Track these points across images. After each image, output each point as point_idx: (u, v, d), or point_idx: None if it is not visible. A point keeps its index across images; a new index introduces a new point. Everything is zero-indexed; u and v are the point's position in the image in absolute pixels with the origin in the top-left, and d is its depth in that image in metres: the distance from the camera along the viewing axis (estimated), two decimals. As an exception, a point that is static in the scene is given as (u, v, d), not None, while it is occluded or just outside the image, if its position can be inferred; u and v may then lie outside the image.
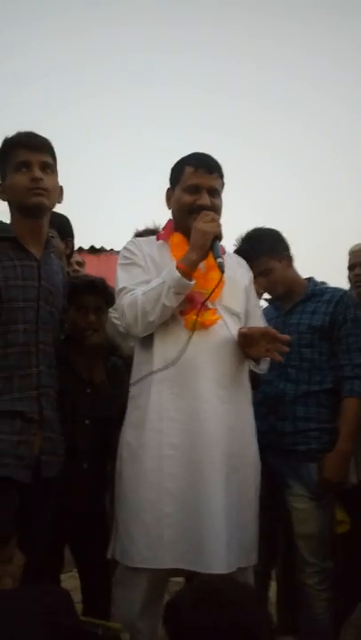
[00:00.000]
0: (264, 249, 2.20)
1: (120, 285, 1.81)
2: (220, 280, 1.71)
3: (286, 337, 1.74)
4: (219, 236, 1.73)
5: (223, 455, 1.69)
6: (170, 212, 1.93)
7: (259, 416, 2.00)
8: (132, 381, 1.83)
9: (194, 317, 1.73)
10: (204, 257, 1.72)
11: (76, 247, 2.62)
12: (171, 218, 1.94)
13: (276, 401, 2.14)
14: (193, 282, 1.71)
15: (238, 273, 1.92)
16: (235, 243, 2.27)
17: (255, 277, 2.07)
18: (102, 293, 2.07)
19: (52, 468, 1.70)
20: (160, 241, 1.91)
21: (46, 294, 1.74)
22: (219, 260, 1.69)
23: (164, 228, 1.96)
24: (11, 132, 1.76)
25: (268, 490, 2.01)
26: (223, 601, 1.13)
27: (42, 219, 1.76)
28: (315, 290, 2.27)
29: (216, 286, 1.73)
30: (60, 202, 1.82)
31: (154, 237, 1.94)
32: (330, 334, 2.14)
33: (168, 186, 1.92)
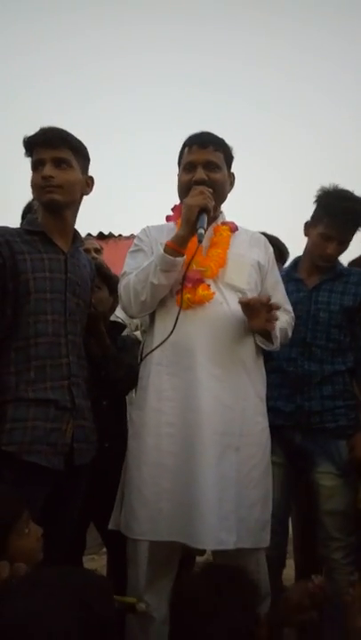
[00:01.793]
0: None
1: (123, 270, 1.86)
2: (197, 249, 1.70)
3: (277, 304, 1.74)
4: (206, 209, 1.71)
5: (215, 433, 1.70)
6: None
7: (282, 397, 2.04)
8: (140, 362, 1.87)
9: (187, 295, 1.74)
10: (191, 231, 1.71)
11: (84, 233, 2.63)
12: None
13: (302, 382, 2.11)
14: (180, 258, 1.70)
15: (250, 250, 1.90)
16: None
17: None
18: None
19: (84, 455, 1.75)
20: (171, 223, 1.93)
21: (73, 286, 1.78)
22: (199, 230, 1.67)
23: (173, 210, 1.96)
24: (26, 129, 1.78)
25: (290, 467, 2.05)
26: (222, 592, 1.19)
27: (63, 214, 1.78)
28: (342, 269, 2.24)
29: (193, 256, 1.71)
30: (87, 193, 1.83)
31: (166, 223, 1.95)
32: (355, 316, 2.15)
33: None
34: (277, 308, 1.74)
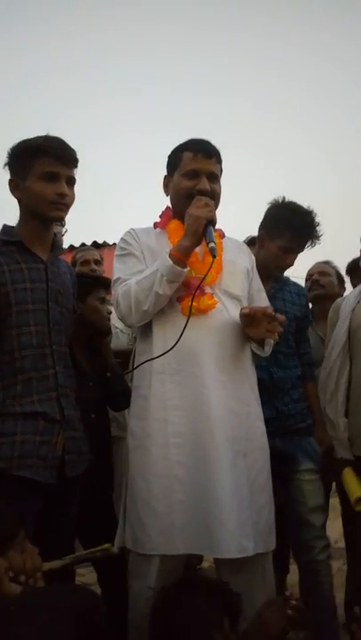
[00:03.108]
0: None
1: (115, 276, 1.82)
2: (212, 263, 1.70)
3: (282, 317, 1.75)
4: (212, 221, 1.72)
5: (226, 440, 1.70)
6: (168, 199, 1.93)
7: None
8: (132, 369, 1.85)
9: (189, 304, 1.72)
10: (197, 243, 1.72)
11: (78, 243, 2.63)
12: (168, 205, 1.94)
13: (276, 389, 2.21)
14: (186, 269, 1.70)
15: (239, 257, 1.92)
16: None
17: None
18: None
19: (76, 467, 1.72)
20: (158, 229, 1.91)
21: (55, 295, 1.75)
22: (210, 244, 1.68)
23: (161, 216, 1.95)
24: (36, 130, 1.74)
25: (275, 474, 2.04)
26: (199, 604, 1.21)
27: (50, 227, 1.79)
28: (283, 278, 2.40)
29: (208, 270, 1.71)
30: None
31: (152, 226, 1.93)
32: (300, 325, 2.35)
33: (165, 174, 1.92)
34: (282, 320, 1.74)
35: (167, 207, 1.94)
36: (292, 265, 2.29)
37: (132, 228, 1.90)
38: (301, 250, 2.27)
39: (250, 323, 1.75)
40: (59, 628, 0.90)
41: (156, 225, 1.93)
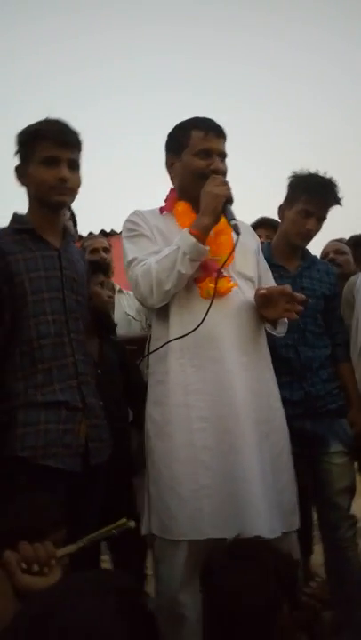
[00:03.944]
0: None
1: (130, 257, 1.76)
2: (237, 241, 1.67)
3: (302, 296, 1.73)
4: (230, 200, 1.69)
5: (253, 422, 1.69)
6: (171, 181, 1.89)
7: (284, 385, 2.02)
8: (148, 354, 1.81)
9: (210, 285, 1.70)
10: (217, 221, 1.69)
11: (86, 232, 2.61)
12: (172, 188, 1.90)
13: (304, 368, 2.16)
14: (208, 247, 1.68)
15: (247, 238, 1.87)
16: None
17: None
18: None
19: (100, 454, 1.71)
20: (164, 212, 1.87)
21: (70, 283, 1.73)
22: (233, 222, 1.66)
23: (166, 200, 1.90)
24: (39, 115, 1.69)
25: (304, 457, 2.07)
26: (250, 567, 1.14)
27: (61, 212, 1.76)
28: (311, 256, 2.35)
29: (232, 250, 1.69)
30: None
31: (157, 209, 1.89)
32: (329, 304, 2.28)
33: (166, 154, 1.87)
34: (302, 299, 1.71)
35: (172, 189, 1.90)
36: (313, 231, 2.20)
37: (137, 210, 1.86)
38: (321, 213, 2.18)
39: (266, 303, 1.73)
40: (106, 609, 0.90)
41: (162, 209, 1.89)
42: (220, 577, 1.19)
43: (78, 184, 1.72)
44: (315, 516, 2.43)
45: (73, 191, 1.70)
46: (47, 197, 1.68)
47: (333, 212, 2.23)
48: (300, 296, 1.71)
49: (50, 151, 1.64)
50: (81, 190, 1.75)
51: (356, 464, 2.30)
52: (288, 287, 1.72)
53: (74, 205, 2.06)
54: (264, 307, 1.74)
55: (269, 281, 1.96)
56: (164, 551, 1.69)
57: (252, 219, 2.97)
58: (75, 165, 1.70)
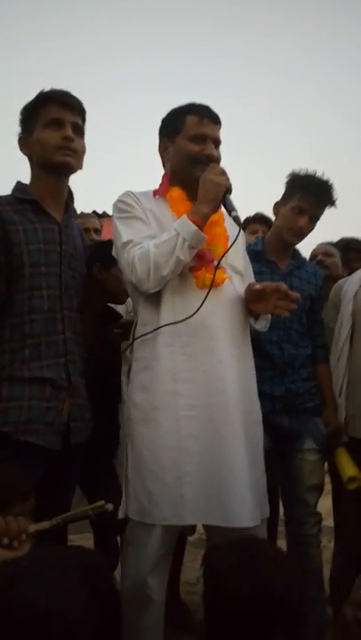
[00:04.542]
0: None
1: (124, 239, 1.72)
2: (238, 233, 1.69)
3: (296, 295, 1.75)
4: (229, 190, 1.69)
5: (240, 413, 1.71)
6: (164, 165, 1.87)
7: (265, 380, 2.05)
8: (135, 339, 1.79)
9: (207, 275, 1.70)
10: (216, 210, 1.69)
11: (78, 212, 2.58)
12: (165, 173, 1.88)
13: (287, 365, 2.20)
14: (206, 236, 1.68)
15: (235, 231, 1.84)
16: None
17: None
18: None
19: (80, 434, 1.71)
20: (157, 197, 1.85)
21: (68, 258, 1.71)
22: (234, 213, 1.67)
23: (160, 184, 1.88)
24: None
25: (277, 452, 2.11)
26: (260, 566, 1.13)
27: (64, 180, 1.73)
28: (302, 257, 2.38)
29: (234, 242, 1.71)
30: (80, 167, 1.76)
31: (150, 192, 1.87)
32: (313, 305, 2.32)
33: (159, 138, 1.86)
34: (297, 297, 1.74)
35: (164, 175, 1.88)
36: (306, 229, 2.21)
37: (130, 191, 1.82)
38: (314, 212, 2.19)
39: (257, 298, 1.74)
40: (69, 583, 0.91)
41: (155, 192, 1.86)
42: (228, 576, 1.17)
43: (83, 149, 1.72)
44: (281, 512, 2.47)
45: (77, 154, 1.69)
46: (52, 158, 1.66)
47: (327, 217, 2.26)
48: (294, 294, 1.73)
49: (54, 113, 1.66)
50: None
51: (325, 463, 2.35)
52: (283, 285, 1.74)
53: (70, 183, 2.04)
54: (254, 301, 1.76)
55: (250, 275, 1.98)
56: (138, 534, 1.69)
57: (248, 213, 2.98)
58: (79, 130, 1.70)
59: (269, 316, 1.90)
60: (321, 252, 2.93)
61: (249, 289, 1.76)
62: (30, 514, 1.36)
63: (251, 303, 1.77)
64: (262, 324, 1.93)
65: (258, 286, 1.74)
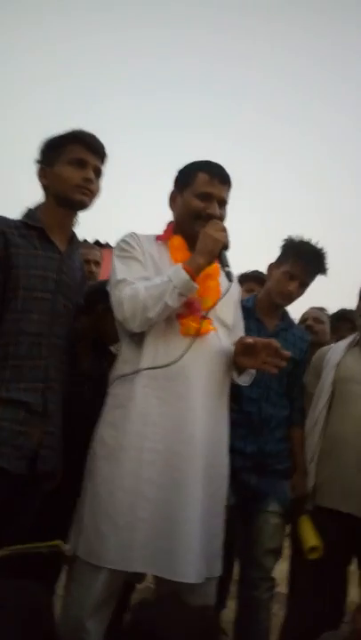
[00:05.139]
0: None
1: (119, 277, 1.76)
2: (229, 288, 1.74)
3: (287, 353, 1.77)
4: (226, 246, 1.75)
5: (203, 465, 1.70)
6: (171, 213, 1.93)
7: (238, 437, 2.06)
8: (113, 377, 1.81)
9: (193, 324, 1.73)
10: (210, 263, 1.74)
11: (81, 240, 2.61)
12: (171, 220, 1.94)
13: (262, 424, 2.21)
14: (197, 286, 1.72)
15: (232, 287, 1.89)
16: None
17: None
18: None
19: (48, 462, 1.70)
20: (159, 242, 1.90)
21: (64, 288, 1.75)
22: (227, 269, 1.73)
23: (164, 230, 1.94)
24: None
25: (240, 509, 2.10)
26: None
27: (75, 213, 1.81)
28: (290, 319, 2.43)
29: (222, 296, 1.76)
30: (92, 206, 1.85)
31: (153, 235, 1.93)
32: (296, 369, 2.34)
33: (171, 187, 1.92)
34: (287, 356, 1.76)
35: (170, 222, 1.94)
36: (295, 293, 2.27)
37: (134, 232, 1.88)
38: (304, 278, 2.26)
39: (246, 352, 1.77)
40: (6, 628, 0.87)
41: (158, 237, 1.92)
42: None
43: (99, 192, 1.81)
44: (235, 572, 2.42)
45: (93, 195, 1.78)
46: (70, 195, 1.74)
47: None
48: (286, 353, 1.75)
49: (80, 154, 1.74)
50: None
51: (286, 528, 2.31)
52: (275, 341, 1.77)
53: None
54: (243, 354, 1.78)
55: (241, 330, 2.01)
56: (83, 575, 1.66)
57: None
58: (98, 172, 1.79)
59: (254, 371, 1.92)
60: (312, 317, 2.98)
61: (240, 342, 1.79)
62: None
63: (239, 356, 1.79)
64: (245, 379, 1.94)
65: (250, 340, 1.76)
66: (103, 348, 2.26)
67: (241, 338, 1.82)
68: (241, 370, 1.88)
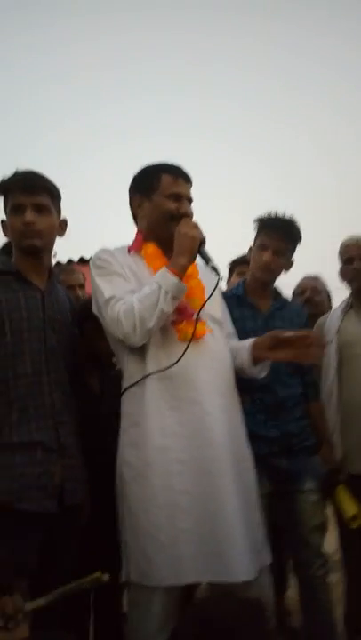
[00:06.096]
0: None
1: (107, 295, 1.75)
2: (217, 283, 1.76)
3: (326, 341, 1.82)
4: (204, 241, 1.75)
5: (230, 463, 1.71)
6: (137, 222, 1.92)
7: (258, 423, 2.06)
8: (123, 391, 1.80)
9: (188, 329, 1.74)
10: (192, 261, 1.75)
11: (65, 259, 2.61)
12: (139, 229, 1.92)
13: (279, 408, 2.19)
14: (186, 286, 1.73)
15: (211, 280, 1.87)
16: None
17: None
18: None
19: (75, 494, 1.70)
20: (132, 252, 1.89)
21: (52, 323, 1.75)
22: (211, 263, 1.74)
23: (134, 241, 1.92)
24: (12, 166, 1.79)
25: (277, 495, 2.10)
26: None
27: (40, 256, 1.79)
28: (283, 298, 2.40)
29: (212, 293, 1.77)
30: (61, 235, 1.84)
31: (124, 247, 1.91)
32: None
33: (130, 195, 1.92)
34: (325, 345, 1.79)
35: (138, 231, 1.92)
36: (271, 263, 2.22)
37: (106, 248, 1.87)
38: (276, 246, 2.20)
39: (278, 345, 1.81)
40: None
41: (130, 248, 1.90)
42: None
43: (49, 226, 1.76)
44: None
45: (41, 234, 1.74)
46: (19, 243, 1.75)
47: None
48: (324, 341, 1.78)
49: (15, 199, 1.73)
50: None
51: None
52: (313, 332, 1.80)
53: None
54: (269, 349, 1.82)
55: (228, 321, 2.02)
56: (139, 598, 1.68)
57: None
58: (42, 209, 1.74)
59: (269, 363, 1.93)
60: (310, 288, 2.92)
61: (273, 336, 1.82)
62: (25, 590, 1.33)
63: (264, 350, 1.82)
64: (260, 370, 1.93)
65: (289, 334, 1.80)
66: (108, 364, 2.26)
67: (276, 332, 1.84)
68: (256, 362, 1.88)
